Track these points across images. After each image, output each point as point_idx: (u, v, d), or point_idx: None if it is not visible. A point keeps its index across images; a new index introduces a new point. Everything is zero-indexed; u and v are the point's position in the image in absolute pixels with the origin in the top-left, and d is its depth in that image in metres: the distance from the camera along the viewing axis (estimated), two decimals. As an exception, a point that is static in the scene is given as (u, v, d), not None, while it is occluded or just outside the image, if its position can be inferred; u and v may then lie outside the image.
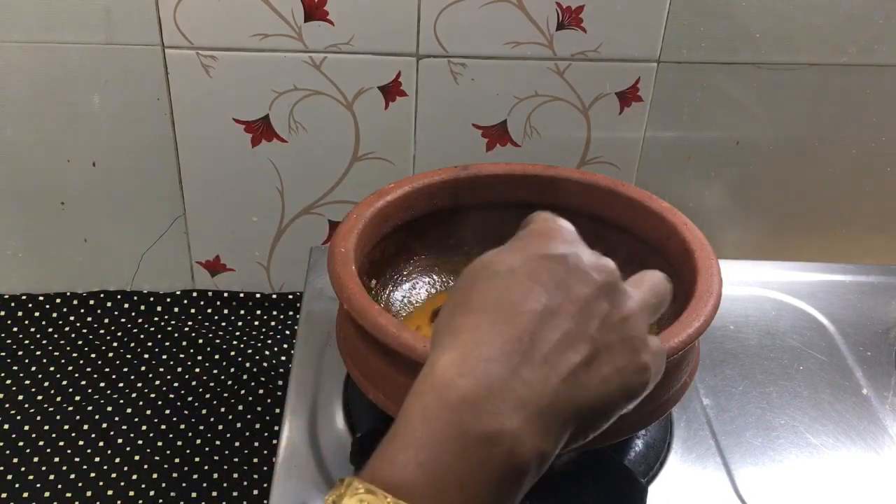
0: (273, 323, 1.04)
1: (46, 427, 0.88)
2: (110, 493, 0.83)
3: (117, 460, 0.86)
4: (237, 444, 0.89)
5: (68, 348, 0.98)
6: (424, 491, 0.31)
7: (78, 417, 0.89)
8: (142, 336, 1.00)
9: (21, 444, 0.86)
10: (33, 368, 0.95)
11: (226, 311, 1.04)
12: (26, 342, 0.98)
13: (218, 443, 0.89)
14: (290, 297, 1.06)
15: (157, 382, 0.94)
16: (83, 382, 0.94)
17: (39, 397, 0.92)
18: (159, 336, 1.00)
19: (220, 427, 0.90)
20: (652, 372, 0.39)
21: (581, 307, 0.36)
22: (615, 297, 0.38)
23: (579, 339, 0.36)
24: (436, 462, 0.32)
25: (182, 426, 0.90)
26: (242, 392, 0.94)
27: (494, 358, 0.34)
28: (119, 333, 1.00)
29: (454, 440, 0.32)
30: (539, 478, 0.35)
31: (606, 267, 0.39)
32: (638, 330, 0.38)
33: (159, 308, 1.03)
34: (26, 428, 0.88)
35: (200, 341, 0.99)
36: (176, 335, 1.00)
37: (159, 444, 0.88)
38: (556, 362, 0.35)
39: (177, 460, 0.87)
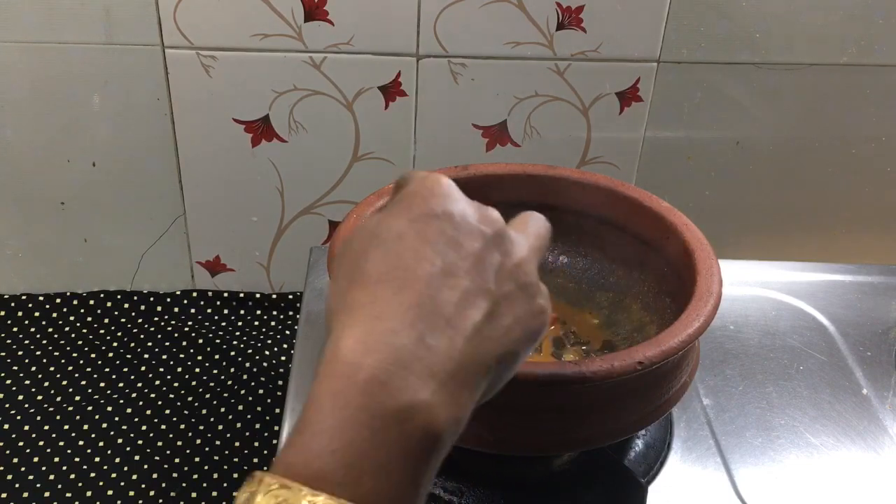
0: (273, 323, 1.04)
1: (46, 427, 0.88)
2: (110, 493, 0.83)
3: (117, 460, 0.86)
4: (237, 444, 0.89)
5: (68, 348, 0.98)
6: (341, 479, 0.30)
7: (78, 417, 0.89)
8: (142, 336, 1.00)
9: (21, 444, 0.86)
10: (33, 368, 0.95)
11: (226, 311, 1.04)
12: (26, 342, 0.98)
13: (218, 443, 0.89)
14: (290, 297, 1.06)
15: (157, 382, 0.94)
16: (83, 382, 0.94)
17: (39, 397, 0.92)
18: (159, 336, 1.00)
19: (220, 427, 0.90)
20: (547, 313, 0.39)
21: (474, 262, 0.36)
22: (505, 246, 0.38)
23: (478, 295, 0.36)
24: (350, 448, 0.31)
25: (182, 426, 0.90)
26: (242, 392, 0.94)
27: (397, 330, 0.33)
28: (119, 333, 1.00)
29: (367, 424, 0.31)
30: (456, 439, 0.34)
31: (492, 217, 0.38)
32: (531, 275, 0.39)
33: (159, 308, 1.03)
34: (26, 428, 0.88)
35: (200, 341, 1.00)
36: (176, 335, 1.00)
37: (159, 444, 0.88)
38: (459, 323, 0.34)
39: (177, 460, 0.87)
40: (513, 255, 0.38)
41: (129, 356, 0.97)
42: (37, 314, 1.01)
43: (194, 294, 1.04)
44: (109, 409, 0.91)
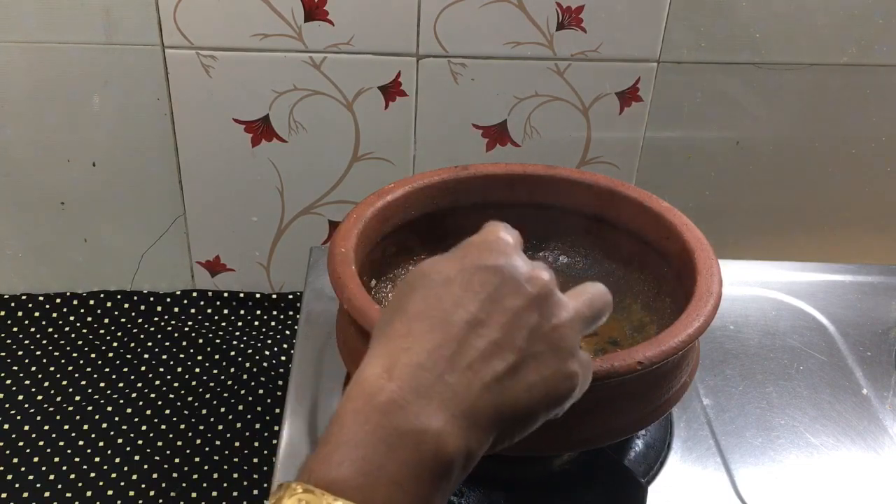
0: (273, 323, 1.04)
1: (46, 427, 0.88)
2: (110, 493, 0.83)
3: (117, 460, 0.86)
4: (237, 444, 0.89)
5: (68, 348, 0.98)
6: (358, 486, 0.33)
7: (78, 417, 0.89)
8: (142, 336, 1.00)
9: (21, 444, 0.86)
10: (33, 368, 0.95)
11: (226, 311, 1.04)
12: (26, 342, 0.98)
13: (218, 443, 0.89)
14: (290, 297, 1.06)
15: (157, 382, 0.94)
16: (83, 382, 0.94)
17: (39, 397, 0.92)
18: (159, 336, 1.00)
19: (220, 427, 0.90)
20: (579, 380, 0.40)
21: (510, 318, 0.38)
22: (546, 308, 0.40)
23: (505, 349, 0.38)
24: (367, 460, 0.34)
25: (182, 426, 0.90)
26: (242, 392, 0.94)
27: (421, 363, 0.36)
28: (119, 333, 1.00)
29: (383, 440, 0.34)
30: (468, 472, 0.37)
31: (540, 279, 0.40)
32: (567, 340, 0.40)
33: (159, 308, 1.03)
34: (26, 428, 0.88)
35: (200, 341, 1.00)
36: (176, 335, 1.00)
37: (159, 444, 0.88)
38: (479, 369, 0.37)
39: (177, 460, 0.87)
40: (553, 317, 0.40)
41: (129, 356, 0.97)
42: (37, 314, 1.01)
43: (194, 294, 1.04)
44: (109, 409, 0.91)
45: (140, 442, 0.88)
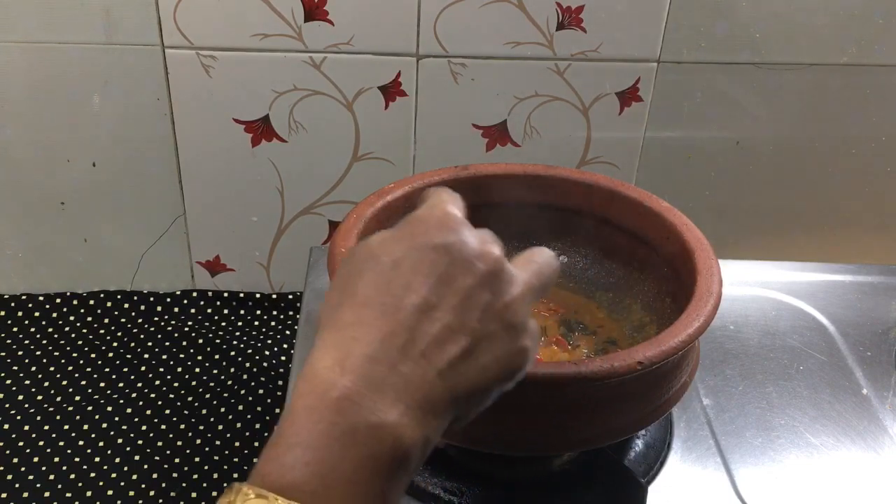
0: (273, 323, 1.04)
1: (46, 427, 0.88)
2: (110, 493, 0.83)
3: (117, 460, 0.86)
4: (237, 444, 0.89)
5: (68, 348, 0.98)
6: (313, 489, 0.32)
7: (78, 417, 0.89)
8: (142, 336, 1.00)
9: (21, 444, 0.86)
10: (33, 368, 0.95)
11: (226, 311, 1.04)
12: (26, 342, 0.98)
13: (218, 443, 0.89)
14: (290, 297, 1.06)
15: (157, 382, 0.94)
16: (83, 382, 0.94)
17: (39, 397, 0.92)
18: (159, 336, 1.00)
19: (220, 427, 0.90)
20: (530, 354, 0.40)
21: (462, 299, 0.37)
22: (497, 285, 0.39)
23: (458, 332, 0.37)
24: (322, 461, 0.32)
25: (182, 426, 0.90)
26: (242, 392, 0.94)
27: (373, 355, 0.35)
28: (119, 333, 1.00)
29: (338, 439, 0.33)
30: (426, 458, 0.36)
31: (490, 254, 0.39)
32: (519, 315, 0.39)
33: (159, 308, 1.03)
34: (26, 428, 0.88)
35: (200, 341, 0.99)
36: (176, 335, 1.00)
37: (159, 444, 0.88)
38: (433, 356, 0.36)
39: (177, 460, 0.87)
40: (504, 294, 0.39)
41: (129, 356, 0.97)
42: (37, 314, 1.01)
43: (194, 294, 1.04)
44: (109, 409, 0.91)
45: (140, 442, 0.88)
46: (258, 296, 1.05)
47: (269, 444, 0.34)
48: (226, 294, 1.05)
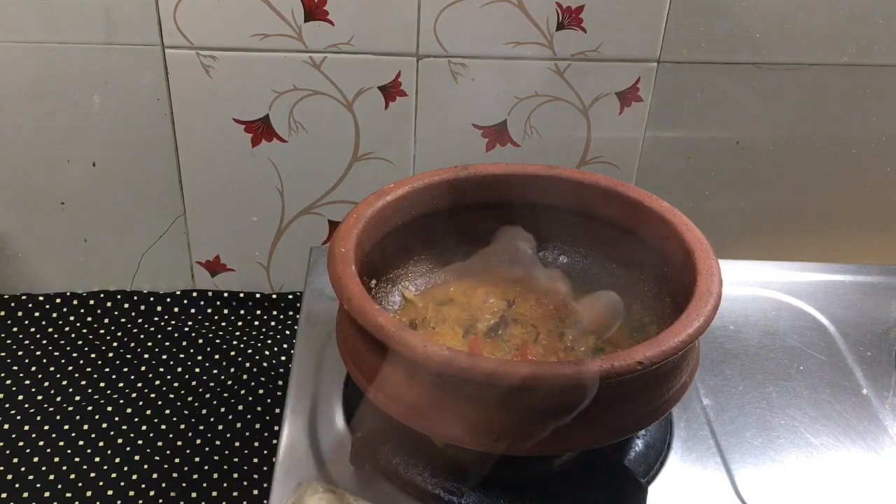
0: (273, 323, 1.04)
1: (46, 427, 0.88)
2: (110, 493, 0.83)
3: (117, 460, 0.86)
4: (237, 444, 0.89)
5: (68, 348, 0.98)
6: None
7: (78, 417, 0.89)
8: (142, 336, 1.00)
9: (21, 444, 0.86)
10: (33, 368, 0.95)
11: (226, 311, 1.04)
12: (26, 342, 0.98)
13: (218, 443, 0.89)
14: (290, 297, 1.06)
15: (157, 382, 0.94)
16: (83, 382, 0.94)
17: (39, 397, 0.92)
18: (159, 336, 1.00)
19: (220, 427, 0.90)
20: None
21: None
22: None
23: None
24: None
25: (182, 426, 0.90)
26: (242, 392, 0.94)
27: None
28: (119, 333, 1.00)
29: None
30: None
31: None
32: None
33: (159, 308, 1.03)
34: (26, 428, 0.88)
35: (200, 341, 1.00)
36: (176, 335, 1.00)
37: (159, 444, 0.88)
38: None
39: (177, 460, 0.87)
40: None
41: (129, 356, 0.97)
42: (37, 314, 1.01)
43: (194, 294, 1.04)
44: (109, 409, 0.91)
45: (140, 442, 0.88)
46: (258, 296, 1.05)
47: None
48: (226, 294, 1.05)
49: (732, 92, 0.95)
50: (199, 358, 0.98)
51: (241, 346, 0.99)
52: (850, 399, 0.71)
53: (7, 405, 0.90)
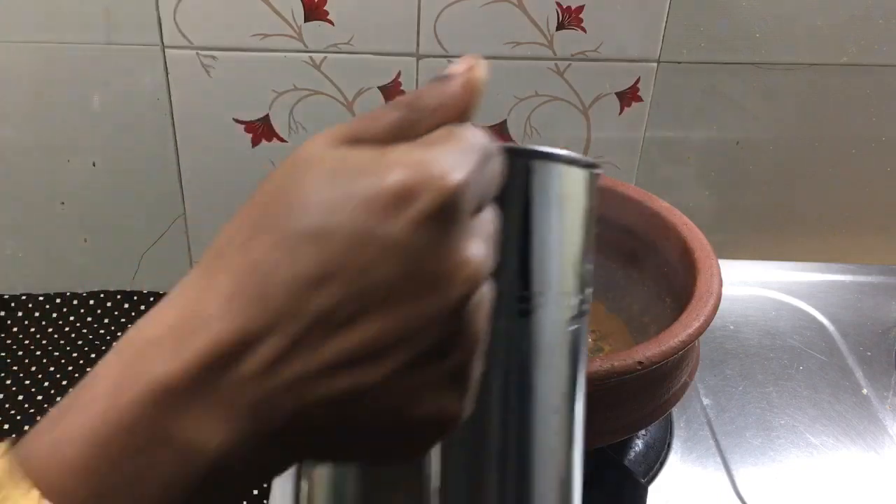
0: (273, 323, 1.04)
1: (46, 427, 0.88)
2: (110, 493, 0.83)
3: (117, 460, 0.86)
4: (237, 444, 0.89)
5: (68, 348, 0.97)
6: (77, 495, 0.24)
7: (78, 417, 0.89)
8: (142, 336, 1.00)
9: (21, 444, 0.86)
10: (33, 368, 0.95)
11: (226, 311, 1.04)
12: (26, 342, 0.98)
13: (218, 443, 0.89)
14: (290, 297, 1.06)
15: (157, 382, 0.94)
16: (83, 382, 0.94)
17: (39, 397, 0.92)
18: (159, 336, 1.00)
19: (220, 427, 0.90)
20: (451, 420, 0.27)
21: (381, 286, 0.25)
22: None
23: (381, 355, 0.25)
24: (104, 469, 0.24)
25: (182, 426, 0.90)
26: (242, 392, 0.94)
27: (224, 349, 0.25)
28: (119, 333, 1.00)
29: (135, 427, 0.24)
30: (240, 485, 0.26)
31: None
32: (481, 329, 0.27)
33: (159, 308, 1.03)
34: (26, 428, 0.88)
35: (200, 341, 0.99)
36: (176, 335, 1.00)
37: (159, 444, 0.88)
38: (311, 384, 0.25)
39: (177, 460, 0.87)
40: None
41: (129, 356, 0.97)
42: (37, 314, 1.01)
43: (194, 294, 1.04)
44: (109, 409, 0.90)
45: (140, 442, 0.88)
46: (258, 296, 1.05)
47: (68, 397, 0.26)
48: (226, 294, 1.05)
49: (733, 92, 0.95)
50: (199, 358, 0.98)
51: (241, 346, 0.99)
52: (850, 399, 0.71)
53: (7, 405, 0.90)
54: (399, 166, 0.25)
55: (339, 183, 0.25)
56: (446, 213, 0.25)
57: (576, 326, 0.32)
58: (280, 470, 0.27)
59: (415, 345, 0.25)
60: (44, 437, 0.26)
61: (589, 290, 0.34)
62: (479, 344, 0.27)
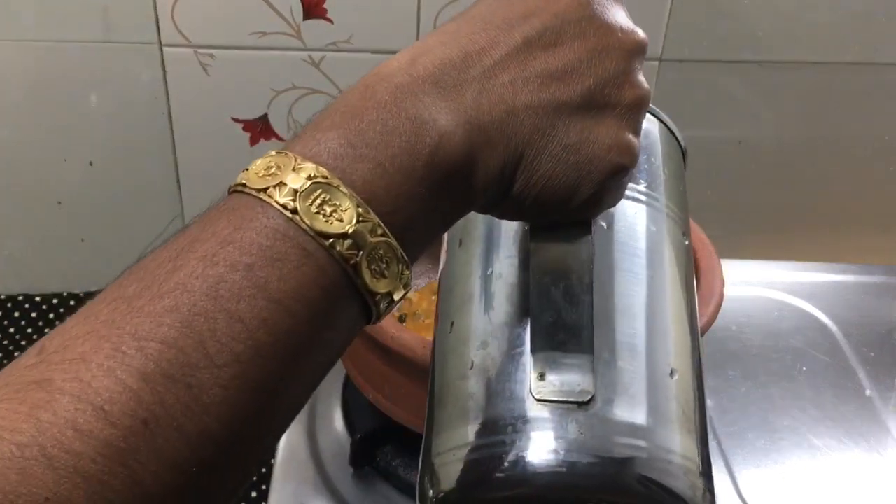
0: (272, 323, 1.04)
1: (43, 428, 0.88)
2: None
3: (114, 462, 0.85)
4: (235, 445, 0.89)
5: (65, 349, 0.97)
6: (337, 155, 0.30)
7: (75, 418, 0.89)
8: (139, 336, 0.99)
9: (17, 445, 0.86)
10: (30, 369, 0.94)
11: (224, 312, 1.04)
12: (23, 343, 0.97)
13: (216, 444, 0.88)
14: (289, 297, 1.05)
15: (155, 383, 0.94)
16: (80, 383, 0.93)
17: (36, 398, 0.91)
18: (157, 336, 0.99)
19: (218, 428, 0.90)
20: (636, 153, 0.35)
21: (594, 48, 0.33)
22: (640, 61, 0.35)
23: (573, 80, 0.32)
24: (356, 132, 0.31)
25: (180, 427, 0.89)
26: (241, 393, 0.93)
27: (453, 60, 0.32)
28: (117, 334, 1.00)
29: (381, 120, 0.31)
30: (479, 200, 0.32)
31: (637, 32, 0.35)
32: (641, 112, 0.35)
33: (157, 308, 1.03)
34: (23, 429, 0.88)
35: (198, 342, 0.99)
36: (174, 335, 1.00)
37: (157, 445, 0.87)
38: (526, 89, 0.32)
39: (174, 462, 0.86)
40: (639, 74, 0.35)
41: (126, 357, 0.97)
42: (33, 315, 1.00)
43: (192, 294, 1.04)
44: (107, 409, 0.90)
45: (137, 443, 0.87)
46: (257, 296, 1.05)
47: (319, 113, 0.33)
48: (224, 294, 1.04)
49: (735, 90, 0.95)
50: (197, 358, 0.97)
51: (240, 346, 0.99)
52: (853, 400, 0.71)
53: (3, 406, 0.90)
54: None
55: None
56: None
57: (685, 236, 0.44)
58: (489, 179, 0.32)
59: (599, 73, 0.33)
60: (304, 136, 0.33)
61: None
62: (645, 98, 0.35)
